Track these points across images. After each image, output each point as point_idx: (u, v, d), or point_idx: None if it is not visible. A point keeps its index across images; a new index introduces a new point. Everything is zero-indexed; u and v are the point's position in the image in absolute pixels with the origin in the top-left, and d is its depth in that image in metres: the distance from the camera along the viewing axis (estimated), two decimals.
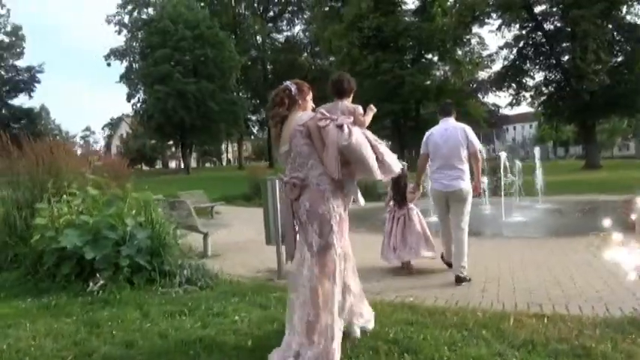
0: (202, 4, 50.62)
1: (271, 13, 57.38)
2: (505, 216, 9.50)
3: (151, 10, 49.27)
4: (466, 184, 4.73)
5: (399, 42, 32.40)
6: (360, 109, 3.10)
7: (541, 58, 30.95)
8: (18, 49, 53.29)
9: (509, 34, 31.66)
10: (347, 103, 3.17)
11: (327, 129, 2.78)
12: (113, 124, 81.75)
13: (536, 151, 12.53)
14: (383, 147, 2.96)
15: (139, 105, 45.62)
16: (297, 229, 2.96)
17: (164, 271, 4.81)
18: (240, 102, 42.30)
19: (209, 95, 36.28)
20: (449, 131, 4.84)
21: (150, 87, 38.30)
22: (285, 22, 58.76)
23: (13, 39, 53.25)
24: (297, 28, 57.23)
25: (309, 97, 3.10)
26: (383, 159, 2.91)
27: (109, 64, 54.27)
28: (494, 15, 30.35)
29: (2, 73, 53.33)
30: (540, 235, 7.63)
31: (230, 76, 39.96)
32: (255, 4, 55.77)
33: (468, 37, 32.64)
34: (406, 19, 35.28)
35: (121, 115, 68.57)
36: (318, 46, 45.89)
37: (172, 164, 67.57)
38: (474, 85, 46.60)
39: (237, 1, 54.09)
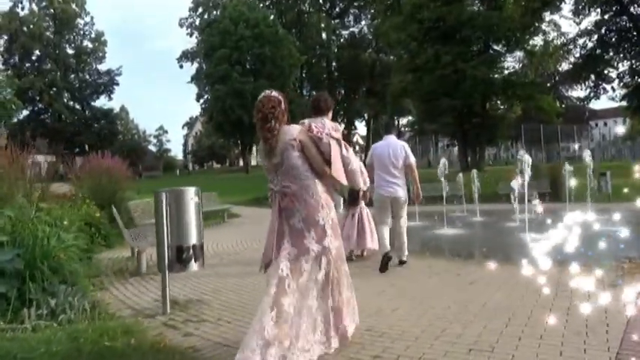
0: (267, 2, 51.01)
1: (337, 10, 56.59)
2: (530, 230, 7.83)
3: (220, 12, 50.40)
4: (403, 192, 5.79)
5: (462, 33, 30.05)
6: (339, 126, 3.38)
7: (626, 45, 27.40)
8: (100, 54, 56.92)
9: (586, 21, 28.46)
10: (327, 120, 3.37)
11: (329, 143, 3.07)
12: (190, 123, 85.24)
13: (587, 153, 10.53)
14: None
15: (204, 105, 46.88)
16: (284, 237, 3.02)
17: (27, 300, 4.08)
18: (297, 100, 41.89)
19: None
20: (389, 146, 5.80)
21: (212, 87, 39.05)
22: (352, 18, 57.81)
23: (96, 44, 56.94)
24: (363, 23, 56.02)
25: None
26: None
27: (181, 66, 56.48)
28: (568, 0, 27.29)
29: (86, 76, 57.25)
30: (559, 260, 5.78)
31: (289, 74, 39.67)
32: (321, 1, 55.28)
33: (537, 24, 29.54)
34: (474, 8, 32.77)
35: (197, 115, 71.20)
36: (380, 40, 44.39)
37: (241, 162, 68.83)
38: (557, 78, 42.66)
39: None
